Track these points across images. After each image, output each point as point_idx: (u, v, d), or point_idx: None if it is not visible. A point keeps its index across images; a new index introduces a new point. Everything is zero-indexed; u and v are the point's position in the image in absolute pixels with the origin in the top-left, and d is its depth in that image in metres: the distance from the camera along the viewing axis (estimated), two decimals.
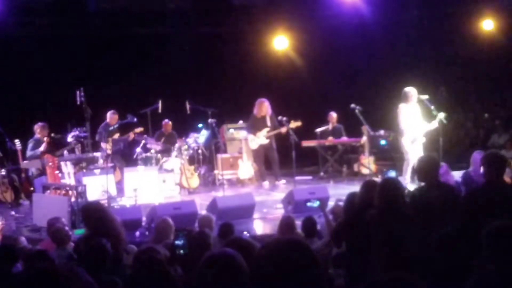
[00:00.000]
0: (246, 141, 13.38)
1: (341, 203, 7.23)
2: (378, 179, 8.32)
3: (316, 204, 6.35)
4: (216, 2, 14.67)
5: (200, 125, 13.87)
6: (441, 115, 10.57)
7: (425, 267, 4.45)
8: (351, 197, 5.99)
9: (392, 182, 5.42)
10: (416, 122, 10.73)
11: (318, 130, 13.64)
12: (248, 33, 15.30)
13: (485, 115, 14.66)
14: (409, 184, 10.11)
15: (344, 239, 5.63)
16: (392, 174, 7.52)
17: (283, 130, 12.37)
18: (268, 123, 12.73)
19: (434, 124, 10.65)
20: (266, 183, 12.88)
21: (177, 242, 4.25)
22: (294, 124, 12.33)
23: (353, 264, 5.42)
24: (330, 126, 13.88)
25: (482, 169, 5.55)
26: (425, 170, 5.86)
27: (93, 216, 5.78)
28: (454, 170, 8.73)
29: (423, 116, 10.85)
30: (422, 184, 5.94)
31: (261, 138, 12.74)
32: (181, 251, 4.19)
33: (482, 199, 5.23)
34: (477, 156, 7.92)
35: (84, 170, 11.08)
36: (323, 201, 8.95)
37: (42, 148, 11.67)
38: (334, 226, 5.99)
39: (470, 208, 5.29)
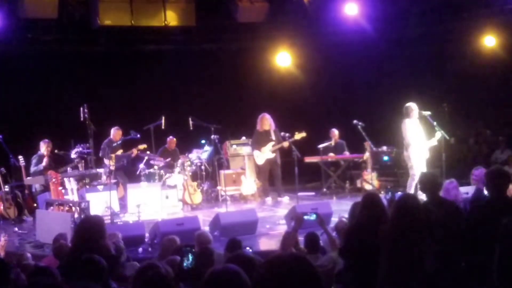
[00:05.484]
0: (249, 157, 13.43)
1: (344, 219, 7.23)
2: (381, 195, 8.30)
3: (313, 217, 6.31)
4: (220, 19, 14.75)
5: (203, 141, 13.92)
6: (439, 134, 10.61)
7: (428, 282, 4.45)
8: (356, 207, 5.97)
9: (414, 198, 5.33)
10: (419, 137, 10.77)
11: (321, 146, 13.68)
12: (251, 49, 15.37)
13: (488, 131, 14.66)
14: None
15: (348, 253, 5.57)
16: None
17: (286, 144, 12.45)
18: (273, 136, 12.80)
19: (434, 142, 10.71)
20: (269, 199, 12.91)
21: (185, 258, 4.24)
22: (299, 136, 12.41)
23: (356, 280, 5.39)
24: (332, 142, 13.91)
25: (485, 185, 5.55)
26: (427, 187, 5.86)
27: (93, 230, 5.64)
28: None
29: (425, 132, 10.89)
30: (424, 200, 5.94)
31: (267, 153, 12.79)
32: (189, 267, 4.19)
33: (486, 215, 5.21)
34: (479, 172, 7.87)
35: (87, 186, 11.11)
36: (326, 217, 8.96)
37: (44, 163, 11.71)
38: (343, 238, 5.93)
39: (473, 225, 5.28)
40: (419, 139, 10.75)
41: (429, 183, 5.87)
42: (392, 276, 4.85)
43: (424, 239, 4.90)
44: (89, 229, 5.58)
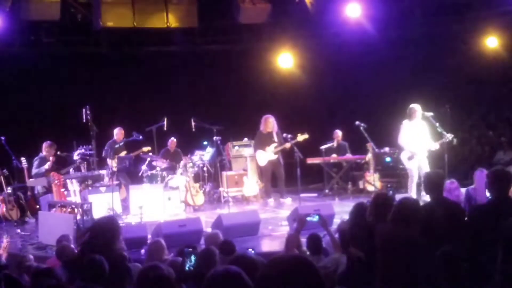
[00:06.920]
0: (251, 158, 13.41)
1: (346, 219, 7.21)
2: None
3: (315, 218, 6.30)
4: (222, 20, 14.76)
5: (205, 143, 13.91)
6: (448, 137, 10.60)
7: (430, 285, 4.44)
8: (360, 208, 5.95)
9: (413, 201, 5.32)
10: (417, 139, 10.77)
11: (323, 147, 13.65)
12: (253, 51, 15.36)
13: (490, 132, 14.63)
14: None
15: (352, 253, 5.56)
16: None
17: (288, 146, 12.44)
18: (275, 138, 12.79)
19: (436, 145, 10.71)
20: (271, 200, 12.90)
21: (187, 259, 4.23)
22: (301, 137, 12.39)
23: (359, 280, 5.37)
24: (335, 144, 13.88)
25: (487, 186, 5.53)
26: (431, 187, 5.84)
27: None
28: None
29: (431, 133, 10.86)
30: (428, 200, 5.93)
31: (270, 154, 12.78)
32: (191, 268, 4.18)
33: (488, 216, 5.20)
34: (479, 173, 7.84)
35: (90, 188, 11.10)
36: (328, 218, 8.94)
37: (46, 166, 11.71)
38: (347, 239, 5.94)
39: (475, 225, 5.26)
40: (415, 141, 10.76)
41: (432, 183, 5.84)
42: (390, 276, 4.85)
43: (423, 241, 4.90)
44: (104, 231, 5.43)
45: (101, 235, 5.32)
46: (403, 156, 10.96)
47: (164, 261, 5.93)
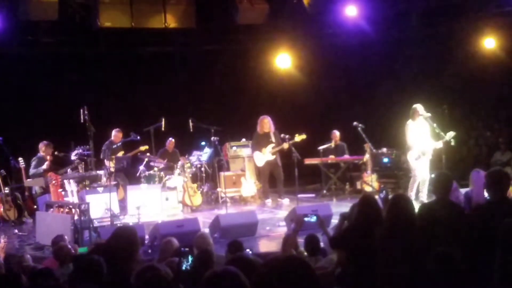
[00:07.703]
0: (249, 159, 13.41)
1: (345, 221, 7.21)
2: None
3: (313, 219, 6.31)
4: (220, 21, 14.74)
5: (203, 143, 13.90)
6: (450, 135, 10.62)
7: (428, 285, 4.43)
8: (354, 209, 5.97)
9: (406, 198, 5.35)
10: (422, 139, 10.78)
11: (321, 148, 13.66)
12: (250, 51, 15.36)
13: (488, 133, 14.64)
14: (413, 201, 10.11)
15: (349, 255, 5.59)
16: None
17: (286, 146, 12.43)
18: (273, 139, 12.78)
19: (439, 144, 10.71)
20: (269, 201, 12.89)
21: (184, 260, 4.22)
22: (299, 137, 12.38)
23: (358, 282, 5.38)
24: (332, 144, 13.89)
25: (486, 187, 5.52)
26: (439, 186, 5.84)
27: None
28: None
29: (431, 132, 10.88)
30: (432, 199, 5.93)
31: (267, 154, 12.77)
32: (188, 268, 4.17)
33: (487, 216, 5.19)
34: (475, 174, 7.81)
35: (87, 188, 11.07)
36: (326, 219, 8.94)
37: (44, 166, 11.70)
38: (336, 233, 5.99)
39: (474, 226, 5.26)
40: (421, 141, 10.77)
41: (440, 183, 5.83)
42: (389, 276, 4.85)
43: (419, 239, 4.91)
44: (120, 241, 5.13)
45: (116, 243, 5.22)
46: (410, 156, 10.90)
47: None
